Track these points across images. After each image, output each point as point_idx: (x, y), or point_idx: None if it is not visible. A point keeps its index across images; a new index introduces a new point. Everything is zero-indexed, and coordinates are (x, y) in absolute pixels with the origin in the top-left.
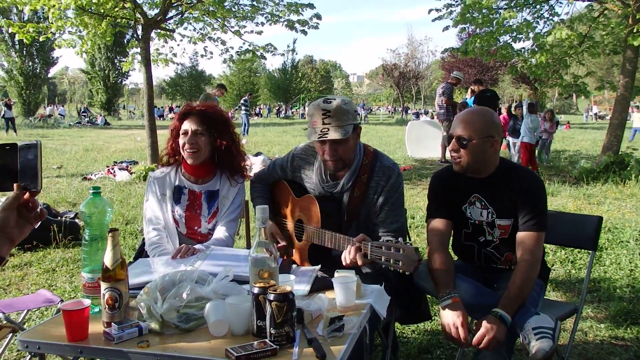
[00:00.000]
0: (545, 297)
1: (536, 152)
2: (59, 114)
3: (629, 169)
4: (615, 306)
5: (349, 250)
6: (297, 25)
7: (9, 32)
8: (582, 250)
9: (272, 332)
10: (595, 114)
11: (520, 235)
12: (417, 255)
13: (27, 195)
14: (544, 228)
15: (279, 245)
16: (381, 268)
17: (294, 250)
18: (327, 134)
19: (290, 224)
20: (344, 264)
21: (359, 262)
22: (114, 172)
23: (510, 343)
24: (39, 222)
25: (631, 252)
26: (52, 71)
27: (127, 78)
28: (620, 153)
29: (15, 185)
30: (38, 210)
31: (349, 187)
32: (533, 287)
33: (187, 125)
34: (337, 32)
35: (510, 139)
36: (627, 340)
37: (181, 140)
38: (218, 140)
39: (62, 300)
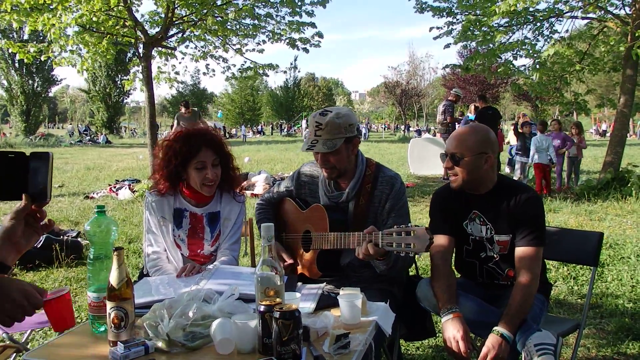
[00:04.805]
0: (548, 313)
1: (561, 173)
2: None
3: (629, 185)
4: (617, 322)
5: (359, 241)
6: (298, 43)
7: (9, 52)
8: (584, 266)
9: (279, 349)
10: (605, 131)
11: (518, 250)
12: (428, 234)
13: (35, 205)
14: (542, 243)
15: (286, 263)
16: (387, 280)
17: (302, 262)
18: (314, 146)
19: (297, 237)
20: (356, 255)
21: (371, 252)
22: (117, 190)
23: None
24: (46, 232)
25: (632, 268)
26: (53, 90)
27: (128, 96)
28: (620, 170)
29: (24, 195)
30: (46, 220)
31: (353, 195)
32: (534, 302)
33: (204, 158)
34: (339, 50)
35: (518, 158)
36: (629, 355)
37: (197, 173)
38: (226, 165)
39: None
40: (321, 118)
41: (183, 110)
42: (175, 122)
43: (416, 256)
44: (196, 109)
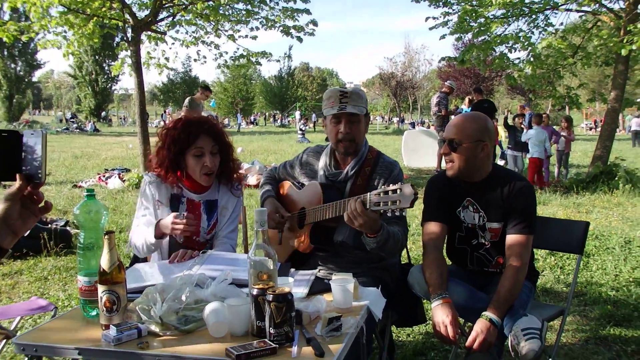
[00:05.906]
0: (534, 300)
1: (552, 167)
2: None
3: (616, 179)
4: (600, 309)
5: (348, 203)
6: (292, 31)
7: None
8: (571, 256)
9: (272, 331)
10: (595, 126)
11: (509, 238)
12: (412, 189)
13: (31, 186)
14: (532, 232)
15: (283, 218)
16: (379, 268)
17: (296, 239)
18: (345, 108)
19: (293, 216)
20: (345, 219)
21: (358, 209)
22: (106, 179)
23: (500, 344)
24: (44, 214)
25: (616, 258)
26: (37, 74)
27: (116, 83)
28: (609, 163)
29: (17, 175)
30: (43, 202)
31: (352, 175)
32: (522, 289)
33: (202, 145)
34: (334, 39)
35: (509, 152)
36: (610, 340)
37: (196, 161)
38: (225, 155)
39: (55, 307)
40: (344, 89)
41: (202, 93)
42: (185, 108)
43: (409, 245)
44: (195, 97)
